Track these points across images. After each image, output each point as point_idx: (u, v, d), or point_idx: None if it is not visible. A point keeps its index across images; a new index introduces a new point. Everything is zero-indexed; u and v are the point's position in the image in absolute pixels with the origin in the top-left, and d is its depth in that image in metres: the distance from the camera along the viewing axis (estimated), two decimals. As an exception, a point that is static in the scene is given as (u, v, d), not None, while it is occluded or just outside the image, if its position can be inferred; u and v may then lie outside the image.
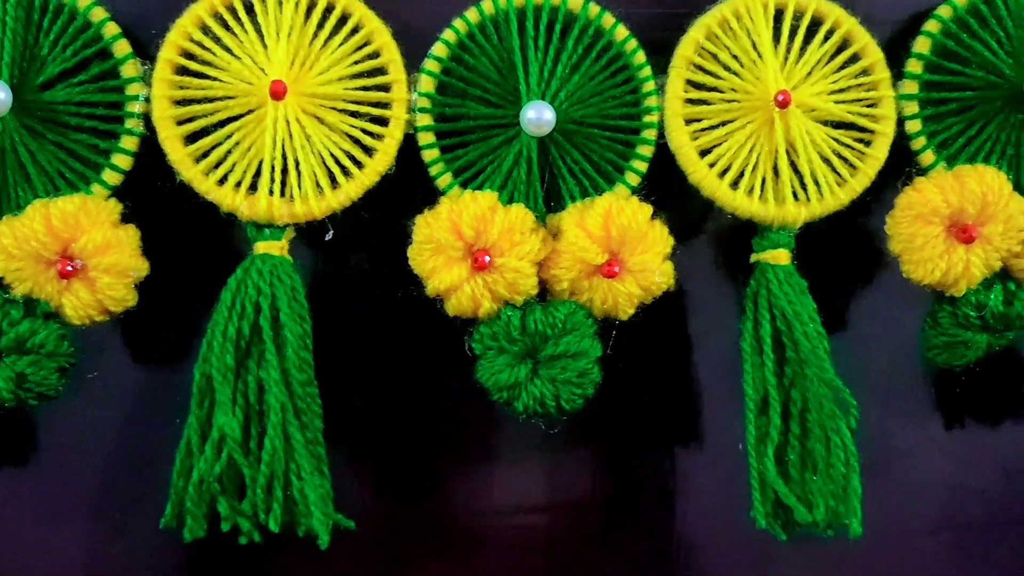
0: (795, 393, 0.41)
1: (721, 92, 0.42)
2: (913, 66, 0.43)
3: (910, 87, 0.43)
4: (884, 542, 0.53)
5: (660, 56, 0.43)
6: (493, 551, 0.49)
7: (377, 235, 0.43)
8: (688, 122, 0.42)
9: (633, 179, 0.42)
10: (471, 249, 0.40)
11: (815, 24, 0.43)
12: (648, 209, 0.40)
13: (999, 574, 0.56)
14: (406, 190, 0.42)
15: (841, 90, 0.43)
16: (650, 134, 0.42)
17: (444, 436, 0.48)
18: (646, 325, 0.44)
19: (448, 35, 0.41)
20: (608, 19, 0.42)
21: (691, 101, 0.42)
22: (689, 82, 0.42)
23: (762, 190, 0.42)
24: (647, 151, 0.42)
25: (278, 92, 0.39)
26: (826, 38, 0.43)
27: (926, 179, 0.42)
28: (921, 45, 0.43)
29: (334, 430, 0.47)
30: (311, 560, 0.46)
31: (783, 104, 0.41)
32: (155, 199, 0.42)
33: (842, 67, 0.43)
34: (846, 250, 0.47)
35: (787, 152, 0.42)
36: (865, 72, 0.43)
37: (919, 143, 0.43)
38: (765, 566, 0.51)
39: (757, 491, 0.40)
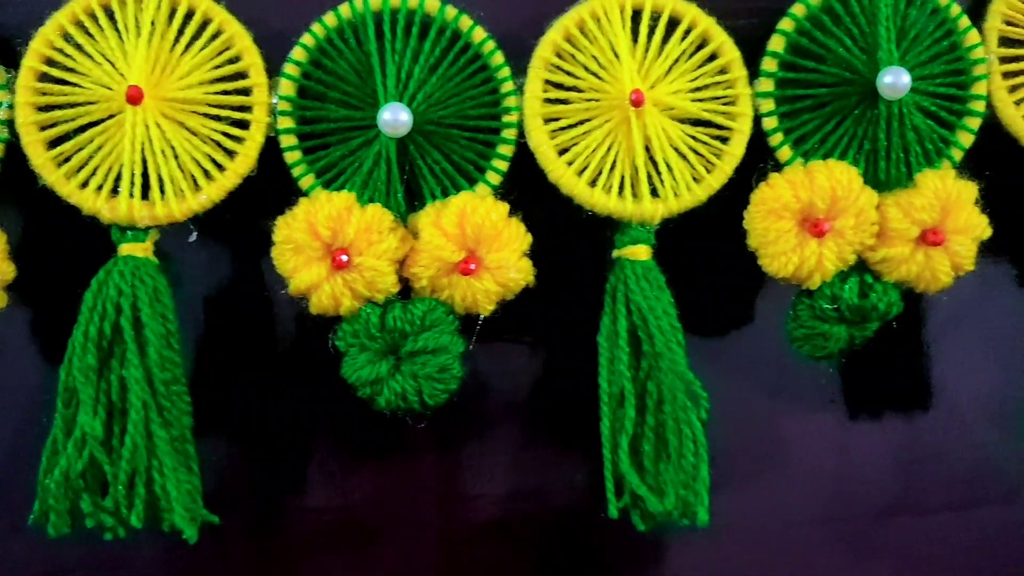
0: (651, 386, 0.42)
1: (580, 92, 0.43)
2: (768, 64, 0.44)
3: (766, 84, 0.44)
4: (776, 533, 0.55)
5: (522, 58, 0.44)
6: (387, 544, 0.50)
7: (245, 236, 0.44)
8: (548, 121, 0.43)
9: (494, 178, 0.43)
10: (330, 249, 0.41)
11: (673, 24, 0.44)
12: (503, 207, 0.42)
13: (890, 563, 0.57)
14: (277, 192, 0.43)
15: (699, 88, 0.44)
16: (510, 134, 0.43)
17: (336, 432, 0.49)
18: (515, 320, 0.45)
19: (307, 39, 0.42)
20: (466, 21, 0.43)
21: (551, 101, 0.43)
22: (550, 82, 0.43)
23: (621, 187, 0.43)
24: (507, 150, 0.43)
25: (134, 97, 0.40)
26: (684, 38, 0.44)
27: (779, 175, 0.43)
28: (776, 43, 0.44)
29: (225, 428, 0.48)
30: (204, 557, 0.48)
31: (637, 103, 0.42)
32: (24, 203, 0.43)
33: (700, 66, 0.44)
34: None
35: (647, 149, 0.43)
36: (722, 71, 0.44)
37: (776, 139, 0.44)
38: (656, 554, 0.53)
39: (610, 481, 0.41)
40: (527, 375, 0.49)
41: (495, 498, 0.50)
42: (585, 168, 0.43)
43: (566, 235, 0.47)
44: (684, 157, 0.44)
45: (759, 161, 0.45)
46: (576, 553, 0.52)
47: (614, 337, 0.42)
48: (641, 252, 0.43)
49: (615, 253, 0.44)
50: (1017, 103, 0.45)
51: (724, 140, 0.44)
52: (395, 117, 0.41)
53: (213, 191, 0.42)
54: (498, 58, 0.43)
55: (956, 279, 0.52)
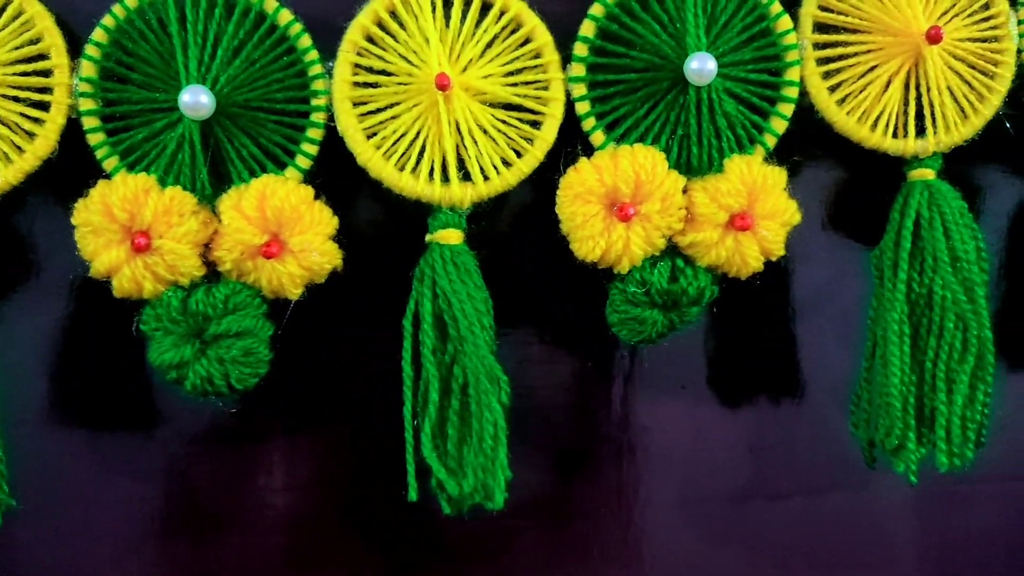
0: (457, 370, 0.43)
1: (392, 75, 0.43)
2: (579, 49, 0.44)
3: (577, 69, 0.44)
4: (630, 517, 0.55)
5: (333, 41, 0.44)
6: (234, 531, 0.50)
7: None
8: (357, 105, 0.43)
9: (304, 162, 0.43)
10: (129, 231, 0.41)
11: (487, 8, 0.44)
12: (306, 190, 0.42)
13: (743, 547, 0.58)
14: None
15: (513, 72, 0.44)
16: (319, 117, 0.43)
17: (179, 417, 0.49)
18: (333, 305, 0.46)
19: (108, 20, 0.42)
20: (271, 3, 0.43)
21: (362, 84, 0.44)
22: (361, 66, 0.44)
23: (431, 171, 0.44)
24: (317, 134, 0.44)
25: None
26: (496, 21, 0.44)
27: (586, 159, 0.43)
28: (586, 28, 0.44)
29: (70, 416, 0.48)
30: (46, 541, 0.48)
31: (443, 87, 0.42)
32: None
33: (514, 50, 0.44)
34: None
35: (460, 133, 0.43)
36: (536, 55, 0.44)
37: (588, 124, 0.45)
38: (506, 540, 0.53)
39: (411, 465, 0.42)
40: (355, 361, 0.49)
41: (340, 485, 0.50)
42: (395, 153, 0.43)
43: (393, 221, 0.48)
44: (495, 141, 0.44)
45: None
46: (423, 538, 0.52)
47: (419, 320, 0.43)
48: (452, 236, 0.44)
49: (427, 237, 0.44)
50: (831, 89, 0.46)
51: (537, 125, 0.44)
52: (195, 99, 0.41)
53: (11, 174, 0.42)
54: (305, 41, 0.43)
55: (809, 266, 0.53)
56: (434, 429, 0.42)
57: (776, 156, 0.46)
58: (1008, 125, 0.48)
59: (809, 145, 0.50)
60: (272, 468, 0.51)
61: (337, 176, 0.44)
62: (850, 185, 0.54)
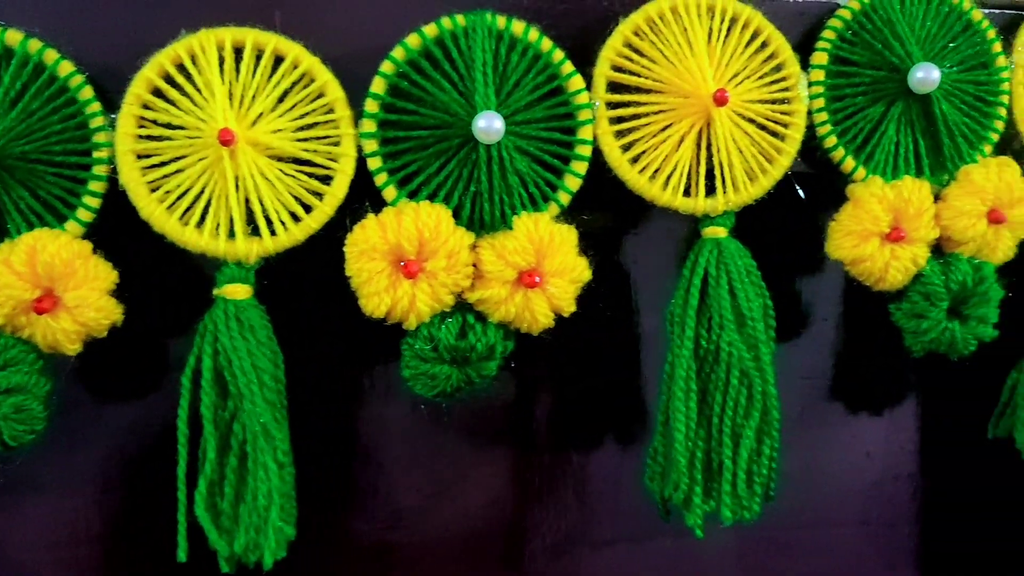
0: (236, 427, 0.43)
1: (179, 128, 0.43)
2: (370, 106, 0.45)
3: (368, 125, 0.45)
4: (451, 565, 0.56)
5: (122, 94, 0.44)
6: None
7: None
8: (142, 157, 0.43)
9: (85, 215, 0.43)
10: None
11: (279, 61, 0.44)
12: (81, 245, 0.42)
13: None
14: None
15: (305, 127, 0.45)
16: (101, 170, 0.43)
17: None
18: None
19: None
20: (51, 54, 0.42)
21: (150, 137, 0.43)
22: (148, 119, 0.43)
23: (218, 226, 0.44)
24: (99, 187, 0.43)
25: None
26: (288, 75, 0.44)
27: (374, 216, 0.43)
28: (376, 85, 0.45)
29: None
30: None
31: (226, 142, 0.42)
32: None
33: (307, 104, 0.45)
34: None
35: (247, 188, 0.44)
36: (328, 110, 0.45)
37: (380, 179, 0.45)
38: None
39: (182, 525, 0.41)
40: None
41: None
42: (180, 207, 0.43)
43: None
44: (284, 197, 0.44)
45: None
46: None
47: (196, 377, 0.42)
48: (238, 291, 0.44)
49: (214, 292, 0.44)
50: (624, 148, 0.47)
51: (329, 180, 0.45)
52: (-33, 152, 0.41)
53: None
54: (86, 92, 0.43)
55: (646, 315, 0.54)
56: (210, 487, 0.42)
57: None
58: (798, 187, 0.49)
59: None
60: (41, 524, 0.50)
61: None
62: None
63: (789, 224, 0.53)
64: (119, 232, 0.44)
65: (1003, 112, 0.51)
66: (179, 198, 0.44)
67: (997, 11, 0.52)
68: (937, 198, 0.49)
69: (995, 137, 0.51)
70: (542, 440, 0.58)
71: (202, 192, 0.44)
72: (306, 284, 0.48)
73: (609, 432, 0.57)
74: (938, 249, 0.50)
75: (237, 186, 0.44)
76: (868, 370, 0.62)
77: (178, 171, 0.44)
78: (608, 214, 0.55)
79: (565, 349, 0.56)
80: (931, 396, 0.63)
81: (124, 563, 0.48)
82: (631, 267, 0.54)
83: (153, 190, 0.43)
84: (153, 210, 0.43)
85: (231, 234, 0.44)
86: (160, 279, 0.46)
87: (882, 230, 0.48)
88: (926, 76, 0.47)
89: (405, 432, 0.56)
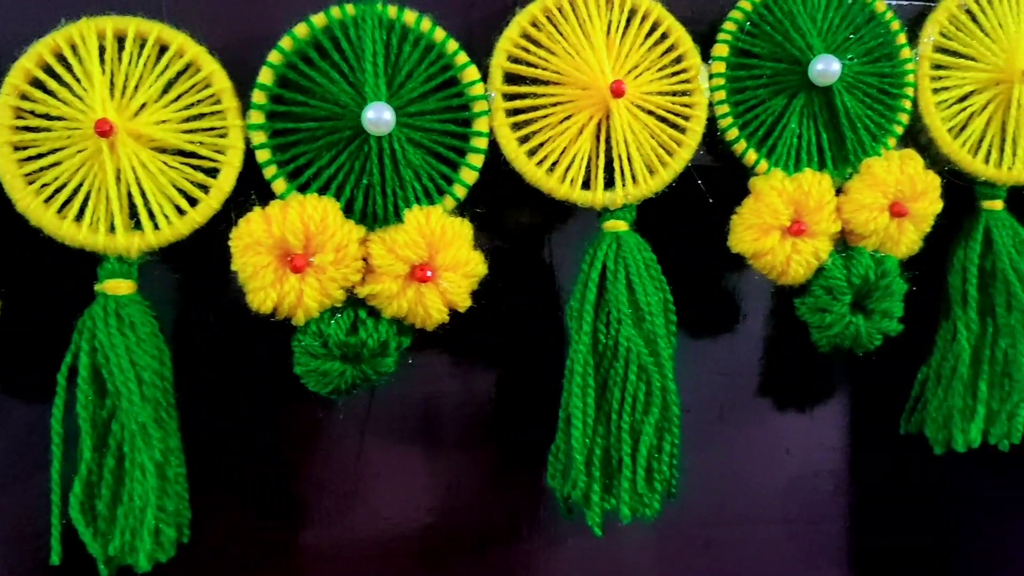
0: (115, 426, 0.41)
1: (58, 119, 0.42)
2: (257, 97, 0.44)
3: (256, 117, 0.44)
4: (369, 566, 0.55)
5: None
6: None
7: None
8: (20, 149, 0.42)
9: (-37, 207, 0.42)
10: None
11: (164, 50, 0.43)
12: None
13: None
14: None
15: (193, 118, 0.43)
16: (-21, 161, 0.42)
17: None
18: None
19: None
20: (-81, 43, 0.41)
21: (29, 128, 0.42)
22: (27, 110, 0.42)
23: (100, 219, 0.42)
24: (-26, 178, 0.42)
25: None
26: (172, 64, 0.43)
27: (259, 209, 0.42)
28: (265, 76, 0.44)
29: None
30: None
31: (104, 133, 0.41)
32: None
33: (195, 94, 0.43)
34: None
35: (133, 181, 0.42)
36: (216, 101, 0.43)
37: (269, 172, 0.44)
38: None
39: (56, 528, 0.40)
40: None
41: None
42: (59, 199, 0.42)
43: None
44: (167, 190, 0.43)
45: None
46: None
47: (71, 373, 0.41)
48: (121, 287, 0.43)
49: (96, 287, 0.43)
50: (521, 140, 0.46)
51: (214, 173, 0.44)
52: None
53: None
54: (-36, 82, 0.41)
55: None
56: (86, 489, 0.41)
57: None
58: (700, 182, 0.49)
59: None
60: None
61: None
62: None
63: (709, 220, 0.52)
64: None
65: (908, 104, 0.50)
66: (58, 191, 0.43)
67: (905, 2, 0.52)
68: (840, 191, 0.49)
69: (900, 130, 0.50)
70: (456, 439, 0.57)
71: (81, 184, 0.43)
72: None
73: (525, 431, 0.56)
74: (844, 243, 0.49)
75: (119, 178, 0.43)
76: (787, 367, 0.61)
77: (57, 163, 0.42)
78: (533, 209, 0.55)
79: (479, 346, 0.56)
80: (850, 392, 0.63)
81: (4, 567, 0.47)
82: (553, 262, 0.54)
83: (31, 182, 0.42)
84: (30, 203, 0.42)
85: (112, 228, 0.43)
86: (41, 274, 0.45)
87: (783, 223, 0.47)
88: (826, 68, 0.47)
89: (315, 432, 0.55)
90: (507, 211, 0.55)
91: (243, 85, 0.44)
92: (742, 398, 0.61)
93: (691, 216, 0.51)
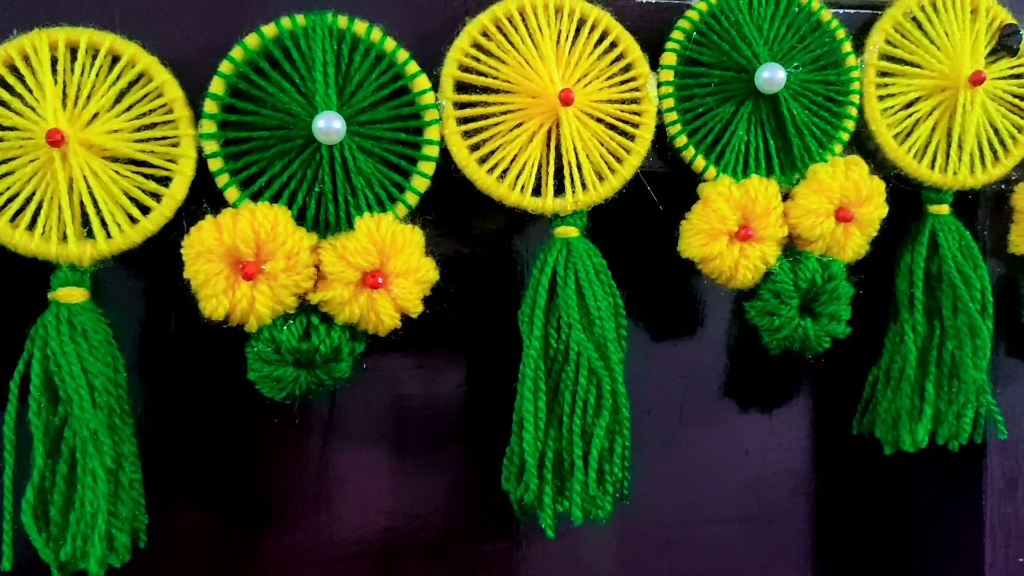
0: (68, 432, 0.42)
1: (9, 129, 0.42)
2: (209, 106, 0.44)
3: (208, 126, 0.44)
4: (328, 569, 0.55)
5: None
6: None
7: None
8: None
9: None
10: None
11: (116, 60, 0.44)
12: None
13: None
14: None
15: (145, 127, 0.44)
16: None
17: None
18: None
19: None
20: None
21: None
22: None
23: (53, 228, 0.43)
24: (-74, 189, 0.42)
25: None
26: (123, 76, 0.43)
27: (211, 217, 0.43)
28: (215, 85, 0.44)
29: None
30: None
31: (55, 143, 0.41)
32: None
33: (147, 104, 0.44)
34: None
35: (85, 190, 0.43)
36: (169, 110, 0.44)
37: (222, 180, 0.45)
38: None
39: (7, 534, 0.40)
40: None
41: None
42: (10, 209, 0.42)
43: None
44: (119, 199, 0.43)
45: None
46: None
47: (27, 383, 0.41)
48: (73, 295, 0.43)
49: (49, 295, 0.43)
50: (472, 148, 0.47)
51: (167, 181, 0.44)
52: None
53: None
54: (-90, 94, 0.42)
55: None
56: (39, 495, 0.41)
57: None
58: (650, 189, 0.49)
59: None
60: None
61: None
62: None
63: (660, 226, 0.53)
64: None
65: (853, 111, 0.51)
66: (10, 200, 0.43)
67: (852, 11, 0.53)
68: (787, 197, 0.49)
69: (846, 136, 0.51)
70: (419, 443, 0.58)
71: (34, 194, 0.43)
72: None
73: (487, 434, 0.56)
74: (791, 248, 0.50)
75: (71, 187, 0.43)
76: (746, 368, 0.62)
77: (9, 173, 0.43)
78: (494, 215, 0.55)
79: (440, 350, 0.56)
80: (808, 394, 0.64)
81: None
82: (513, 266, 0.54)
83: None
84: (-26, 212, 0.42)
85: (65, 237, 0.43)
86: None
87: (730, 228, 0.48)
88: (772, 76, 0.47)
89: (277, 436, 0.55)
90: (465, 217, 0.56)
91: (195, 95, 0.44)
92: (701, 400, 0.62)
93: (644, 222, 0.52)
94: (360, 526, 0.57)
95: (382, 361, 0.55)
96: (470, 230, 0.57)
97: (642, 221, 0.50)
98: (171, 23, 0.45)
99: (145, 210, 0.44)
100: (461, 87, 0.47)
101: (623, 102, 0.48)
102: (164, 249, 0.44)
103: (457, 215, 0.56)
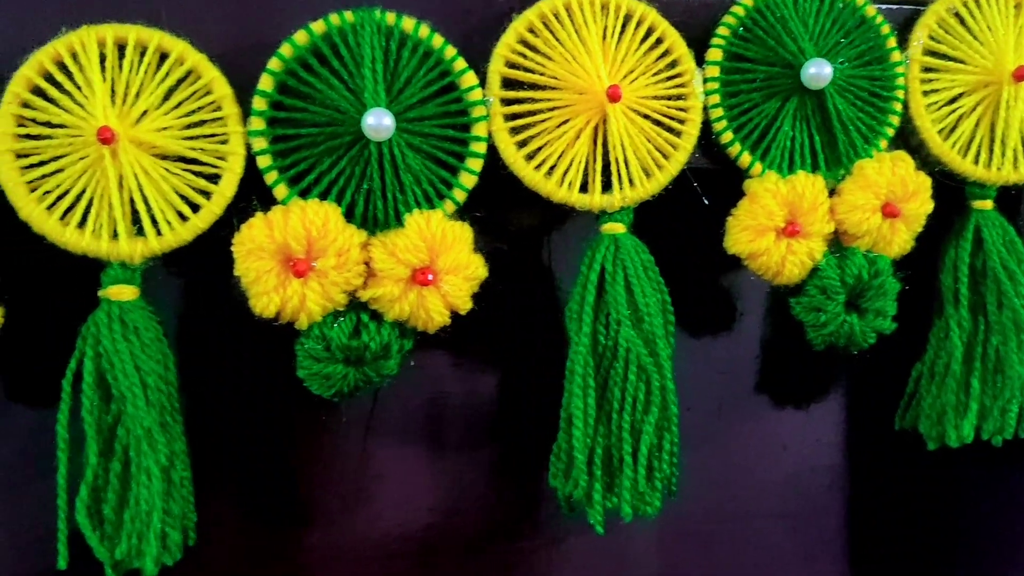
0: (121, 431, 0.41)
1: (60, 127, 0.42)
2: (258, 103, 0.44)
3: (257, 123, 0.44)
4: (370, 566, 0.55)
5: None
6: None
7: None
8: (23, 156, 0.42)
9: (-32, 215, 0.41)
10: None
11: (164, 57, 0.43)
12: None
13: None
14: None
15: (194, 124, 0.43)
16: (-20, 169, 0.41)
17: None
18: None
19: None
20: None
21: (30, 136, 0.42)
22: (29, 118, 0.42)
23: (103, 226, 0.42)
24: (-23, 186, 0.42)
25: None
26: (169, 74, 0.43)
27: (261, 215, 0.42)
28: (265, 83, 0.44)
29: None
30: None
31: (106, 141, 0.41)
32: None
33: (195, 101, 0.43)
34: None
35: (136, 188, 0.42)
36: (217, 107, 0.43)
37: (270, 178, 0.44)
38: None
39: (63, 533, 0.40)
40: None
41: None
42: (61, 206, 0.42)
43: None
44: (169, 196, 0.43)
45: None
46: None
47: (80, 381, 0.41)
48: (124, 292, 0.43)
49: (99, 293, 0.43)
50: (520, 145, 0.46)
51: (216, 179, 0.44)
52: None
53: None
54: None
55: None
56: (93, 494, 0.41)
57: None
58: (696, 185, 0.49)
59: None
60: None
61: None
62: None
63: (705, 222, 0.52)
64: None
65: (898, 107, 0.50)
66: (60, 198, 0.43)
67: (896, 6, 0.52)
68: (833, 192, 0.49)
69: (891, 132, 0.50)
70: (459, 440, 0.57)
71: (84, 191, 0.43)
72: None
73: (527, 431, 0.56)
74: (837, 244, 0.50)
75: (121, 185, 0.43)
76: (784, 364, 0.62)
77: (59, 170, 0.42)
78: (535, 211, 0.55)
79: (481, 348, 0.56)
80: (846, 389, 0.63)
81: (10, 572, 0.47)
82: (553, 264, 0.54)
83: (33, 190, 0.42)
84: (32, 210, 0.42)
85: (115, 234, 0.43)
86: (45, 281, 0.45)
87: (777, 225, 0.47)
88: (818, 72, 0.47)
89: (319, 434, 0.55)
90: (507, 214, 0.56)
91: (243, 92, 0.44)
92: (740, 396, 0.62)
93: (688, 218, 0.51)
94: (401, 523, 0.57)
95: (422, 358, 0.55)
96: (507, 227, 0.57)
97: (689, 217, 0.50)
98: (217, 20, 0.45)
99: (195, 207, 0.44)
100: (508, 83, 0.47)
101: (669, 98, 0.48)
102: (213, 246, 0.44)
103: (494, 212, 0.55)
